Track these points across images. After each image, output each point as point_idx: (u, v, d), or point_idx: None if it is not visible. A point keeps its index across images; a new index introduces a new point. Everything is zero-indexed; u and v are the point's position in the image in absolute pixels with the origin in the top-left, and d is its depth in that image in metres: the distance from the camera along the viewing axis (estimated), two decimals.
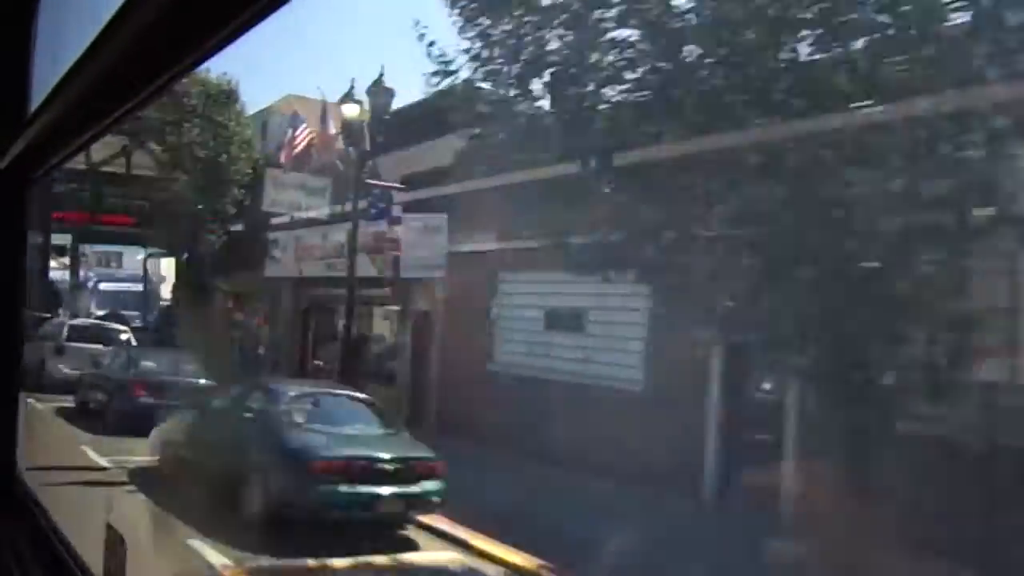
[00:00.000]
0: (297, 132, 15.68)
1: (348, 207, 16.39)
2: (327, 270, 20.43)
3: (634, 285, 12.92)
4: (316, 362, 18.89)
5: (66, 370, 20.20)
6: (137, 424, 14.20)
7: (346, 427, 9.50)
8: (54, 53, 1.86)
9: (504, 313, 16.18)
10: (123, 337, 21.63)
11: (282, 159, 16.53)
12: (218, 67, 25.33)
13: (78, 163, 24.20)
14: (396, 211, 15.48)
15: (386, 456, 8.78)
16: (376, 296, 19.75)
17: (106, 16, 1.23)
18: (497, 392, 15.69)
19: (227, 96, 25.72)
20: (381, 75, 14.28)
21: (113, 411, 14.91)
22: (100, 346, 20.81)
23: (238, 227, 26.11)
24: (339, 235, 19.74)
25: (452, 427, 16.12)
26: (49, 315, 29.13)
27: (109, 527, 2.52)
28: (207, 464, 9.75)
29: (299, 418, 9.25)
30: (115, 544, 2.40)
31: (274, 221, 24.20)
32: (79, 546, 2.42)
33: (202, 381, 15.84)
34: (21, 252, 2.58)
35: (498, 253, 16.13)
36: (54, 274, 37.67)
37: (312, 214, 19.60)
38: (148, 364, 16.06)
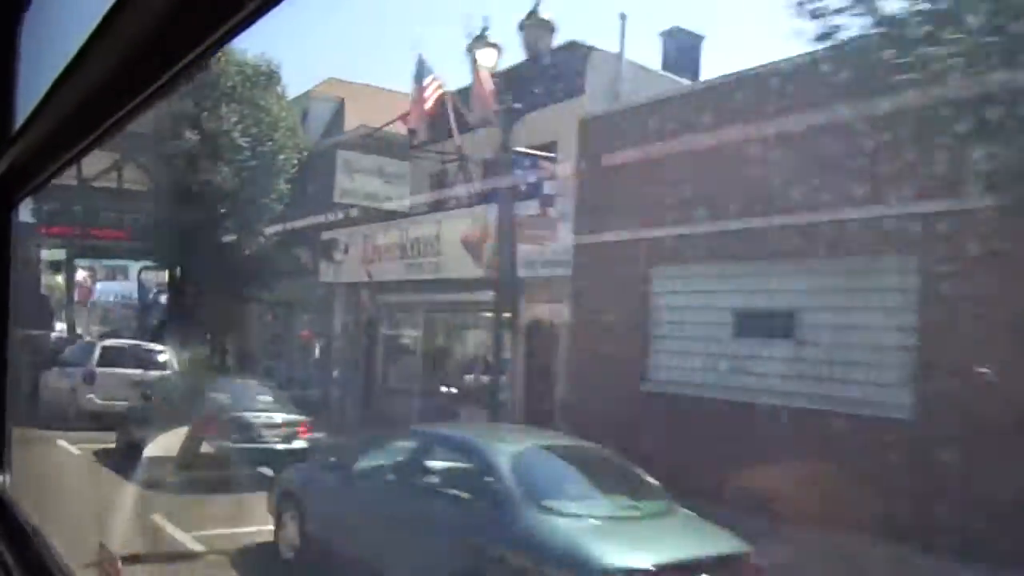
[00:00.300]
0: (425, 85, 12.34)
1: (467, 186, 13.16)
2: (408, 272, 17.09)
3: (891, 274, 9.67)
4: (446, 388, 15.34)
5: (99, 401, 16.88)
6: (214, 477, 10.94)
7: (599, 504, 6.14)
8: (38, 69, 1.83)
9: (663, 317, 12.85)
10: (162, 359, 18.24)
11: (411, 122, 13.16)
12: (256, 47, 22.11)
13: (69, 179, 21.42)
14: (548, 188, 12.10)
15: (700, 557, 5.43)
16: (468, 301, 16.42)
17: (91, 30, 1.21)
18: (656, 418, 12.39)
19: (267, 78, 22.36)
20: (537, 3, 10.86)
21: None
22: (139, 371, 17.50)
23: (278, 227, 22.77)
24: (426, 228, 16.42)
25: None
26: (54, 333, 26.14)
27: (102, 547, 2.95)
28: (386, 561, 6.41)
29: (528, 492, 5.88)
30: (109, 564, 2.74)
31: (332, 218, 20.92)
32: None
33: (282, 416, 12.51)
34: (6, 273, 2.49)
35: (650, 243, 12.85)
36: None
37: (392, 205, 16.24)
38: (218, 396, 12.68)
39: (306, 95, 25.42)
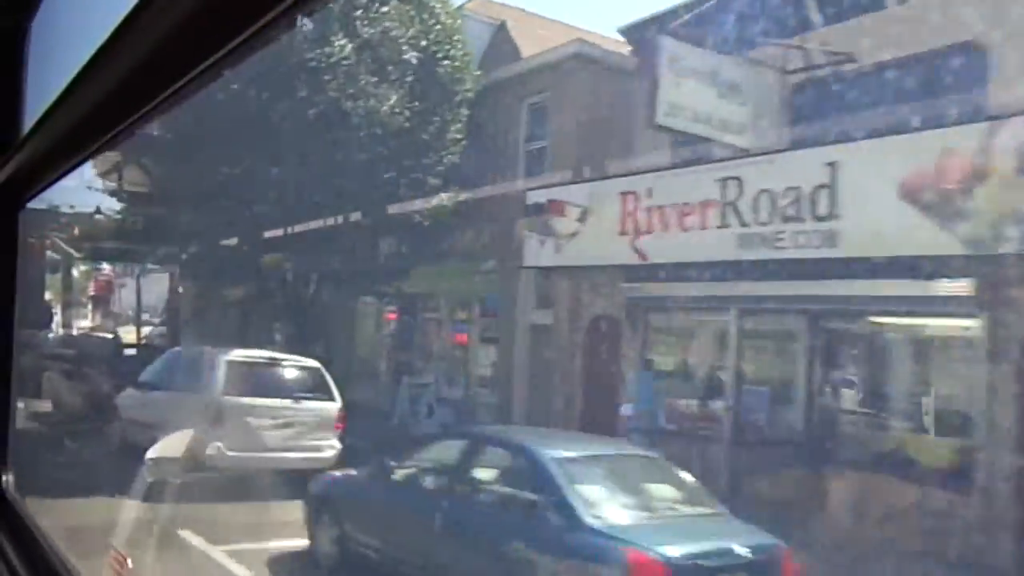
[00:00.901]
0: None
1: None
2: (741, 248, 10.37)
3: None
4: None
5: (231, 453, 10.17)
6: None
7: None
8: (46, 76, 1.89)
9: None
10: (319, 381, 11.55)
11: None
12: None
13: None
14: None
15: None
16: (882, 297, 9.79)
17: (100, 39, 1.21)
18: None
19: None
20: None
21: None
22: (289, 402, 10.84)
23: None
24: (797, 172, 9.72)
25: None
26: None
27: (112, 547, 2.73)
28: None
29: None
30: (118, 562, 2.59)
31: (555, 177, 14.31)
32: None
33: (740, 545, 5.82)
34: (13, 274, 2.49)
35: None
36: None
37: (730, 137, 9.63)
38: (581, 489, 5.91)
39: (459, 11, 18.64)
